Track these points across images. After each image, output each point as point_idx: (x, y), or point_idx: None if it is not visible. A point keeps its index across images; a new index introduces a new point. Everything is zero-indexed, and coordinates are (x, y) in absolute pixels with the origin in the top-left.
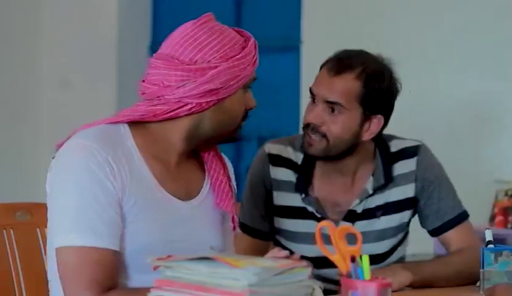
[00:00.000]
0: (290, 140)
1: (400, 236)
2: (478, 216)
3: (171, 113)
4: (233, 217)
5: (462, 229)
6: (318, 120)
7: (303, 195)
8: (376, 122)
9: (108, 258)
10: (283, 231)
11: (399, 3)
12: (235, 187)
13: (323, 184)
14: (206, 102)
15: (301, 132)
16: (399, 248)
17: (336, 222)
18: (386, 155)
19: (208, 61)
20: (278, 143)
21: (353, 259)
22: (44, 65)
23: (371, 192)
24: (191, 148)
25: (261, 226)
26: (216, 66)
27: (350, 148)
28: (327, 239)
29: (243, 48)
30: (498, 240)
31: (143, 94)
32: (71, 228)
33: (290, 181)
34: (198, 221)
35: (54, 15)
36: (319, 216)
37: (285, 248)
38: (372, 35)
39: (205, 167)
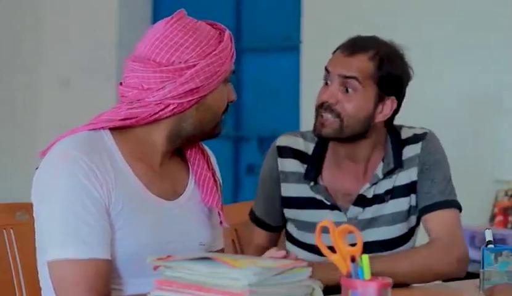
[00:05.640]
0: (302, 133)
1: (412, 221)
2: (479, 216)
3: (155, 116)
4: (219, 213)
5: (445, 216)
6: (333, 99)
7: (312, 183)
8: (389, 104)
9: (102, 267)
10: (294, 221)
11: (399, 2)
12: (220, 179)
13: (333, 172)
14: (188, 101)
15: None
16: (414, 234)
17: (346, 209)
18: (397, 140)
19: (186, 61)
20: (289, 135)
21: (353, 259)
22: (44, 65)
23: (381, 176)
24: (174, 148)
25: (269, 220)
26: (194, 65)
27: (363, 132)
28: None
29: (220, 42)
30: (498, 240)
31: (122, 97)
32: (63, 241)
33: (298, 172)
34: (187, 218)
35: (55, 15)
36: (328, 203)
37: (295, 239)
38: (372, 34)
39: (189, 163)
